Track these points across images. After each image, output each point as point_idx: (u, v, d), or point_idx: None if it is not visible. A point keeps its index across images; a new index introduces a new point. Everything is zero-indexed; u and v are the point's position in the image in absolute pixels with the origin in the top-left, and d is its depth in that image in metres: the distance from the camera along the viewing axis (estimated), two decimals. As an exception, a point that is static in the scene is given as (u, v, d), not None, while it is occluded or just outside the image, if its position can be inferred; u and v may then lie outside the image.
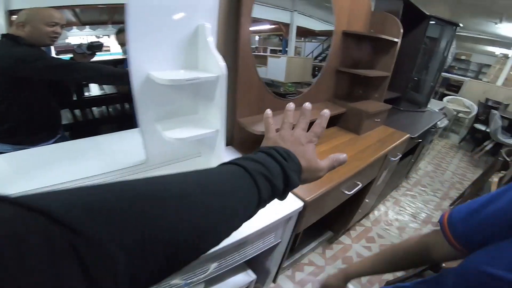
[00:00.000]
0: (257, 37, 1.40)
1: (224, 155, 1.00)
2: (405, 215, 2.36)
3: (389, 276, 1.72)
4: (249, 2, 0.99)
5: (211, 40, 0.84)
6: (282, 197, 0.41)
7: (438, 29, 2.27)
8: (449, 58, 2.86)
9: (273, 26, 1.39)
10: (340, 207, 1.77)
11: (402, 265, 0.64)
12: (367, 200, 1.67)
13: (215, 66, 0.82)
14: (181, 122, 0.95)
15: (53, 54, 0.89)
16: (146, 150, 0.98)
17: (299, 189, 0.96)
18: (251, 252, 0.97)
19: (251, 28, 1.08)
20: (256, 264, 1.40)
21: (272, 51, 1.44)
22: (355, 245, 1.97)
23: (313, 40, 1.54)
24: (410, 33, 2.15)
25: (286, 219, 0.97)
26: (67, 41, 0.84)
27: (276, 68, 1.39)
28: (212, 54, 0.83)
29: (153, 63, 0.82)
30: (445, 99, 4.88)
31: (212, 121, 0.95)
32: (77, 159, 0.97)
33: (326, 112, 0.50)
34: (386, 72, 1.65)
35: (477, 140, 3.92)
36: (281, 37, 1.43)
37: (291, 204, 0.94)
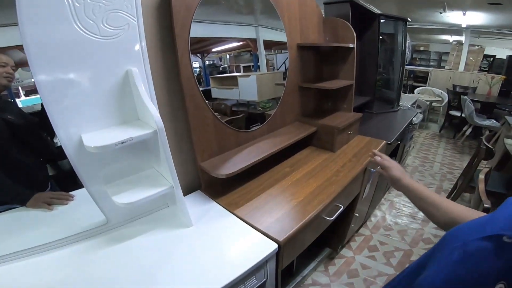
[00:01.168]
0: (228, 56, 1.40)
1: (187, 204, 0.92)
2: (403, 217, 2.26)
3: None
4: (183, 30, 0.90)
5: (142, 87, 0.75)
6: None
7: (390, 25, 2.30)
8: (408, 51, 2.91)
9: (241, 43, 1.39)
10: (331, 226, 1.68)
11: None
12: (357, 215, 1.57)
13: (151, 119, 0.74)
14: (133, 182, 0.87)
15: (22, 94, 0.82)
16: (104, 213, 0.89)
17: (271, 230, 0.89)
18: None
19: (217, 49, 1.02)
20: None
21: (245, 67, 1.42)
22: (358, 257, 1.85)
23: (283, 51, 1.48)
24: (365, 34, 2.15)
25: (263, 263, 0.87)
26: (33, 80, 0.78)
27: (248, 88, 1.37)
28: (145, 106, 0.74)
29: (83, 122, 0.73)
30: (416, 90, 4.96)
31: (165, 176, 0.87)
32: (44, 224, 0.87)
33: None
34: (349, 81, 1.60)
35: (456, 126, 3.92)
36: (251, 53, 1.41)
37: (263, 246, 0.84)
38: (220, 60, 1.39)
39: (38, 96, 0.62)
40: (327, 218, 1.07)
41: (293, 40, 1.40)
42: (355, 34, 1.51)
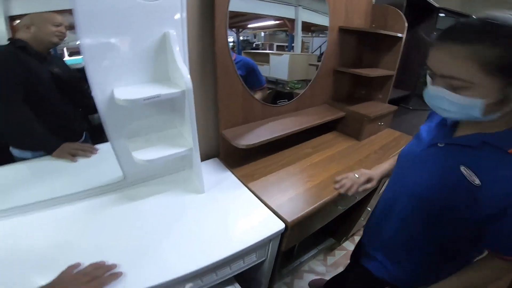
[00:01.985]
0: (262, 33, 1.35)
1: (203, 170, 0.92)
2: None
3: None
4: (223, 2, 0.88)
5: (177, 49, 0.74)
6: None
7: (449, 21, 2.03)
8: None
9: (277, 22, 1.32)
10: (340, 216, 1.65)
11: None
12: (369, 209, 1.52)
13: (181, 79, 0.73)
14: (155, 140, 0.87)
15: (67, 55, 0.84)
16: (122, 169, 0.92)
17: (281, 209, 0.88)
18: (230, 272, 0.87)
19: (253, 25, 1.03)
20: (245, 277, 1.32)
21: (279, 47, 1.37)
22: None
23: (321, 35, 1.41)
24: (419, 27, 1.95)
25: (267, 241, 0.87)
26: (78, 42, 0.82)
27: (279, 66, 1.32)
28: (178, 66, 0.73)
29: (117, 79, 0.74)
30: None
31: (187, 137, 0.86)
32: (65, 175, 0.90)
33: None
34: (390, 71, 1.47)
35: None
36: (287, 33, 1.35)
37: (270, 225, 0.84)
38: (255, 37, 1.34)
39: (80, 57, 0.67)
40: (339, 207, 1.04)
41: (336, 22, 1.30)
42: (406, 24, 1.36)
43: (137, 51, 0.74)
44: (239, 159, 1.15)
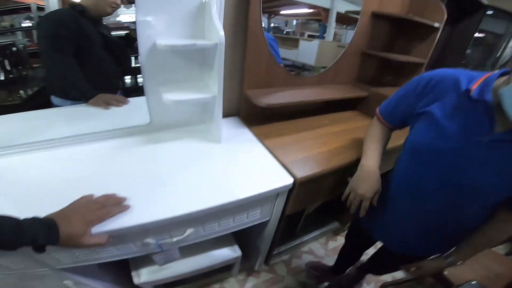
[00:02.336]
0: (294, 21, 1.37)
1: (223, 123, 0.96)
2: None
3: (386, 277, 1.56)
4: None
5: (215, 10, 0.79)
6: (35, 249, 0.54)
7: (498, 22, 1.90)
8: (509, 53, 2.42)
9: (311, 10, 1.32)
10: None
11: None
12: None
13: (215, 34, 0.77)
14: (183, 87, 0.92)
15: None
16: (150, 113, 0.99)
17: (292, 165, 0.88)
18: (233, 225, 0.89)
19: (286, 12, 1.13)
20: (245, 241, 1.34)
21: (310, 36, 1.37)
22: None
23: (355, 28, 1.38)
24: (461, 23, 1.84)
25: (273, 195, 0.87)
26: (117, 19, 0.94)
27: (307, 51, 1.33)
28: (214, 24, 0.78)
29: (160, 32, 0.82)
30: None
31: (212, 87, 0.90)
32: (97, 119, 0.98)
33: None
34: (421, 59, 1.41)
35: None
36: (320, 22, 1.35)
37: (279, 178, 0.84)
38: (286, 25, 1.35)
39: (124, 32, 0.87)
40: (349, 179, 1.01)
41: (369, 7, 1.26)
42: (446, 16, 1.28)
43: (181, 11, 0.81)
44: (258, 120, 1.16)
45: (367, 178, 0.79)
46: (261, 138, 1.03)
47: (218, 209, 0.74)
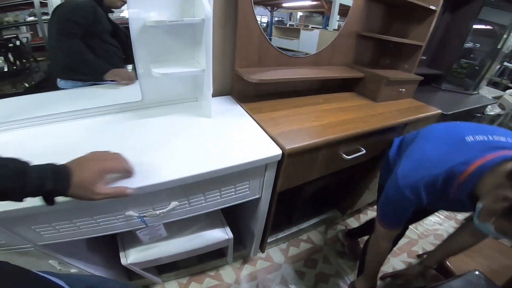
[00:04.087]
0: (299, 15, 1.38)
1: (214, 102, 0.96)
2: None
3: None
4: None
5: None
6: (44, 200, 0.48)
7: (495, 12, 1.83)
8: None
9: (315, 3, 1.34)
10: (348, 184, 1.56)
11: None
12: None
13: (202, 11, 0.76)
14: (174, 64, 0.90)
15: None
16: (141, 90, 0.97)
17: (281, 137, 0.83)
18: (221, 201, 0.85)
19: (289, 4, 1.17)
20: (239, 225, 1.29)
21: (315, 29, 1.36)
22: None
23: None
24: (462, 8, 1.78)
25: (261, 168, 0.82)
26: (121, 14, 0.96)
27: (308, 41, 1.32)
28: (201, 1, 0.77)
29: (149, 11, 0.81)
30: (508, 91, 4.04)
31: (201, 62, 0.88)
32: (92, 98, 0.97)
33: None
34: (419, 42, 1.36)
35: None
36: (323, 15, 1.34)
37: (267, 150, 0.79)
38: (290, 19, 1.36)
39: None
40: (344, 155, 0.96)
41: None
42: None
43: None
44: (251, 98, 1.12)
45: None
46: (252, 112, 0.99)
47: (200, 178, 0.70)
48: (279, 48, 1.15)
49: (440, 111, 1.35)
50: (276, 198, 0.96)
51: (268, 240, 1.45)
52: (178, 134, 0.85)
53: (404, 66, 1.49)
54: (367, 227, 1.41)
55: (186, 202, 0.78)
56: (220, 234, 1.03)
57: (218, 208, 0.86)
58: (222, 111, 1.01)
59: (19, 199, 0.44)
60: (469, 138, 0.65)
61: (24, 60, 0.88)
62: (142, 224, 0.78)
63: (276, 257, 1.48)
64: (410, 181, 0.66)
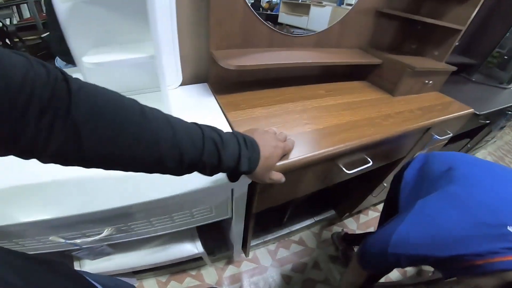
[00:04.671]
0: None
1: (186, 92, 0.76)
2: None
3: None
4: None
5: None
6: (231, 176, 0.41)
7: None
8: None
9: None
10: (346, 186, 1.33)
11: None
12: (385, 184, 1.18)
13: None
14: (120, 49, 0.61)
15: None
16: (85, 78, 0.67)
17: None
18: (174, 225, 0.62)
19: None
20: (219, 227, 1.10)
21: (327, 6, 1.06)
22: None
23: None
24: None
25: (223, 192, 0.59)
26: None
27: (319, 18, 1.03)
28: None
29: None
30: None
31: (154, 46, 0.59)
32: None
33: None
34: (459, 25, 1.01)
35: None
36: None
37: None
38: None
39: None
40: (344, 169, 0.72)
41: None
42: None
43: None
44: (230, 87, 0.83)
45: None
46: (227, 109, 0.71)
47: (129, 210, 0.48)
48: (287, 25, 0.87)
49: (472, 110, 1.04)
50: (254, 217, 0.75)
51: (255, 243, 1.27)
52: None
53: (434, 53, 1.14)
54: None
55: (126, 227, 0.58)
56: (189, 248, 0.84)
57: (172, 231, 0.66)
58: (189, 105, 0.75)
59: (211, 174, 0.37)
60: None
61: (7, 41, 0.73)
62: (75, 246, 0.60)
63: (263, 259, 1.31)
64: (402, 251, 0.48)
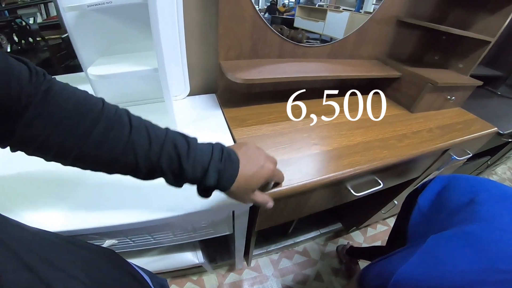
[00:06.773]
0: None
1: (192, 103, 0.74)
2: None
3: None
4: None
5: None
6: (200, 190, 0.35)
7: None
8: None
9: None
10: (357, 200, 1.27)
11: None
12: (396, 202, 1.12)
13: None
14: (126, 59, 0.60)
15: None
16: (93, 90, 0.69)
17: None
18: (176, 239, 0.62)
19: None
20: (215, 243, 1.08)
21: (344, 11, 1.02)
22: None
23: None
24: None
25: (224, 213, 0.57)
26: None
27: (335, 24, 1.00)
28: None
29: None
30: None
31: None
32: None
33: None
34: (488, 36, 0.92)
35: None
36: None
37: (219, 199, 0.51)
38: None
39: None
40: (352, 191, 0.67)
41: None
42: None
43: None
44: (238, 99, 0.81)
45: None
46: (233, 125, 0.69)
47: (132, 227, 0.47)
48: (303, 29, 0.84)
49: (495, 129, 0.96)
50: (256, 234, 0.72)
51: (257, 252, 1.25)
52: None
53: (458, 65, 1.06)
54: (374, 252, 1.15)
55: (128, 240, 0.57)
56: (190, 258, 0.83)
57: (174, 243, 0.64)
58: (194, 118, 0.73)
59: (180, 186, 0.34)
60: None
61: (30, 40, 0.76)
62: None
63: (265, 268, 1.29)
64: None
